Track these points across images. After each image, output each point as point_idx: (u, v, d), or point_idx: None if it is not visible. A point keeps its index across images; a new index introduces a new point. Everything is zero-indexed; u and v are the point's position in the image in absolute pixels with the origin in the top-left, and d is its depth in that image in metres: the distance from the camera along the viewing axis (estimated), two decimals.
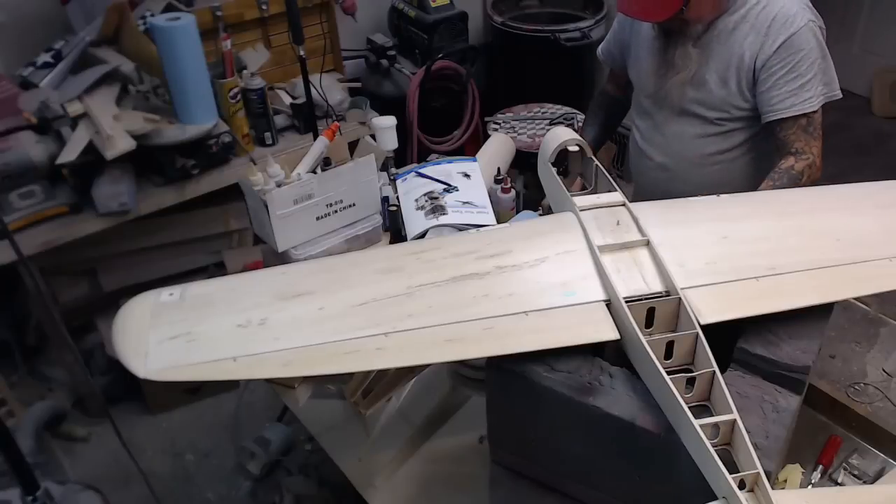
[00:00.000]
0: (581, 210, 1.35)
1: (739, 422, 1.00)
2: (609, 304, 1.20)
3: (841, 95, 1.73)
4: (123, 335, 1.15)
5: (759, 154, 1.84)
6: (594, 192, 1.52)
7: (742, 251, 1.29)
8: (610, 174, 1.50)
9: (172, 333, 1.14)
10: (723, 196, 1.42)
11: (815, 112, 1.67)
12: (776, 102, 1.67)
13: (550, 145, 1.55)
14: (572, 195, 1.41)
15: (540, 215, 1.85)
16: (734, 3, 1.67)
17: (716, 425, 1.01)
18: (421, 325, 1.16)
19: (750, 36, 1.67)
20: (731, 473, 0.93)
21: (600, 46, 2.05)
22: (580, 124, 2.64)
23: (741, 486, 0.94)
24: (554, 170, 1.53)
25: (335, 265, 1.34)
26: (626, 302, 1.16)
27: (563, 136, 1.55)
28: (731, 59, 1.69)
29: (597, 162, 1.53)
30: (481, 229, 1.51)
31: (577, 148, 1.55)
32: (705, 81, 1.74)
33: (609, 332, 1.16)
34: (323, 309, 1.20)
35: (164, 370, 1.09)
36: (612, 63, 2.02)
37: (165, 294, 1.22)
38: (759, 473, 0.94)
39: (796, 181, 1.64)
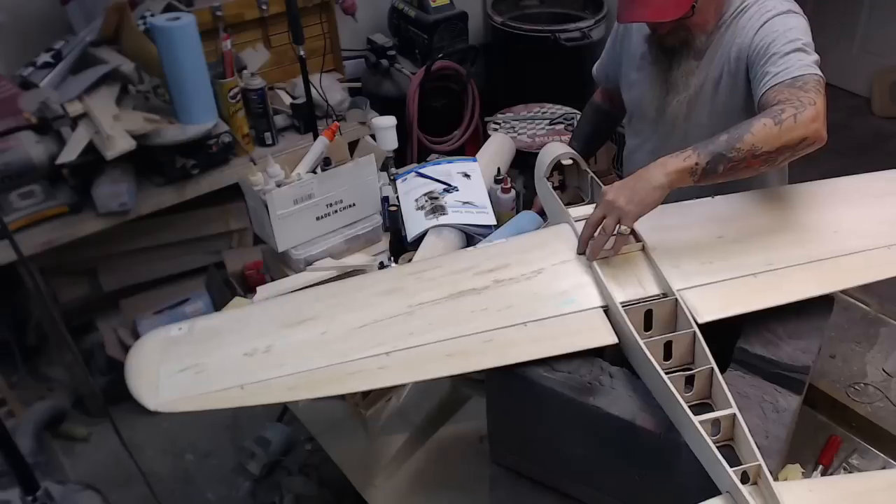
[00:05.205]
0: (576, 220, 1.37)
1: (739, 415, 1.00)
2: (607, 309, 1.21)
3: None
4: (136, 372, 1.18)
5: (762, 184, 1.78)
6: (591, 202, 1.54)
7: (737, 249, 1.30)
8: (610, 174, 1.51)
9: (182, 366, 1.18)
10: (717, 198, 1.43)
11: (802, 75, 1.41)
12: (758, 81, 1.50)
13: (545, 160, 1.59)
14: (568, 207, 1.43)
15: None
16: (725, 13, 1.61)
17: (717, 422, 1.02)
18: (422, 343, 1.18)
19: (732, 40, 1.59)
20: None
21: (595, 66, 2.00)
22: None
23: (744, 479, 0.95)
24: (550, 184, 1.55)
25: (338, 291, 1.36)
26: (623, 306, 1.17)
27: (556, 150, 1.59)
28: (723, 68, 1.62)
29: (591, 174, 1.56)
30: (479, 245, 1.53)
31: (571, 161, 1.58)
32: (703, 100, 1.66)
33: (607, 337, 1.18)
34: (326, 333, 1.22)
35: (174, 401, 1.13)
36: (607, 83, 1.96)
37: (175, 329, 1.26)
38: (760, 465, 0.94)
39: (776, 116, 1.29)
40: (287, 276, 1.79)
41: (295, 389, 1.14)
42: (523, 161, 2.25)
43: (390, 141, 2.07)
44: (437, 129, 3.37)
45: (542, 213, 1.79)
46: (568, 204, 1.50)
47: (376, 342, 1.19)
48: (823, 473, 1.34)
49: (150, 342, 1.24)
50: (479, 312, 1.23)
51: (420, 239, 1.76)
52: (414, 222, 1.80)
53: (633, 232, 1.29)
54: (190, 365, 1.18)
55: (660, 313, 1.19)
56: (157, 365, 1.18)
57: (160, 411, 1.12)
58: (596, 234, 1.27)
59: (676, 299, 1.18)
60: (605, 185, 1.48)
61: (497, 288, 1.27)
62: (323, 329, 1.23)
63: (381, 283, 1.34)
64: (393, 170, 2.05)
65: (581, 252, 1.31)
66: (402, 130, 2.45)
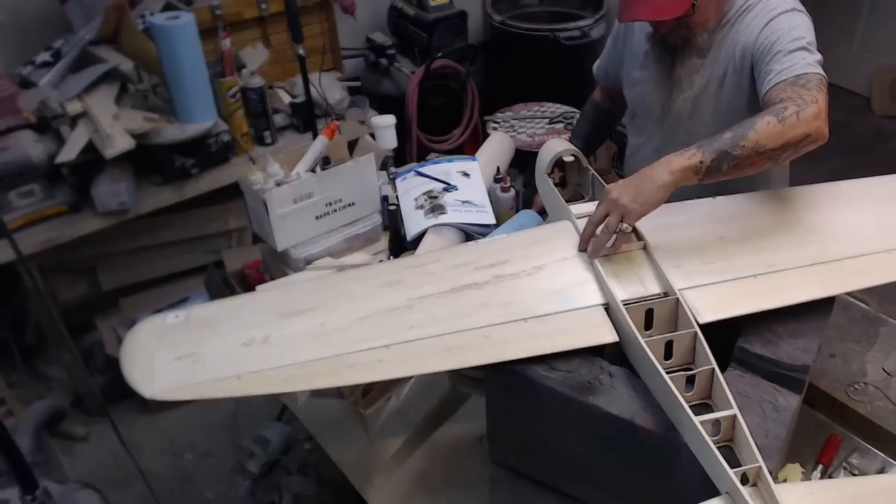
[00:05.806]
0: (578, 218, 1.36)
1: (739, 416, 1.00)
2: (607, 307, 1.20)
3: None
4: (130, 359, 1.17)
5: (765, 182, 1.75)
6: (592, 200, 1.54)
7: (739, 250, 1.29)
8: (610, 173, 1.51)
9: (177, 354, 1.17)
10: (719, 198, 1.43)
11: (805, 73, 1.41)
12: (762, 79, 1.50)
13: (546, 157, 1.58)
14: (569, 204, 1.43)
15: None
16: (728, 11, 1.62)
17: (717, 422, 1.01)
18: (421, 336, 1.18)
19: (737, 38, 1.60)
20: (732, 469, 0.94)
21: (595, 64, 1.99)
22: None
23: (744, 480, 0.95)
24: (551, 181, 1.54)
25: (337, 282, 1.36)
26: (624, 304, 1.17)
27: (558, 147, 1.58)
28: (728, 66, 1.63)
29: (593, 171, 1.55)
30: (480, 240, 1.52)
31: (572, 158, 1.57)
32: (708, 98, 1.66)
33: (608, 335, 1.17)
34: (324, 324, 1.22)
35: (169, 390, 1.12)
36: (607, 80, 1.96)
37: (171, 317, 1.25)
38: (760, 467, 0.94)
39: (778, 113, 1.29)
40: (286, 275, 1.79)
41: (292, 381, 1.13)
42: (523, 160, 2.25)
43: (389, 140, 2.07)
44: (436, 128, 3.37)
45: (542, 213, 1.79)
46: (568, 201, 1.49)
47: (375, 335, 1.18)
48: (823, 472, 1.34)
49: (145, 329, 1.22)
50: (480, 307, 1.22)
51: (419, 238, 1.75)
52: (413, 221, 1.80)
53: (634, 230, 1.29)
54: (186, 353, 1.16)
55: (661, 312, 1.19)
56: (152, 352, 1.17)
57: (156, 399, 1.10)
58: (598, 231, 1.27)
59: (678, 299, 1.18)
60: (605, 183, 1.48)
61: (497, 283, 1.26)
62: (322, 320, 1.22)
63: (381, 276, 1.33)
64: (392, 169, 2.04)
65: (582, 249, 1.31)
66: (402, 129, 2.45)
